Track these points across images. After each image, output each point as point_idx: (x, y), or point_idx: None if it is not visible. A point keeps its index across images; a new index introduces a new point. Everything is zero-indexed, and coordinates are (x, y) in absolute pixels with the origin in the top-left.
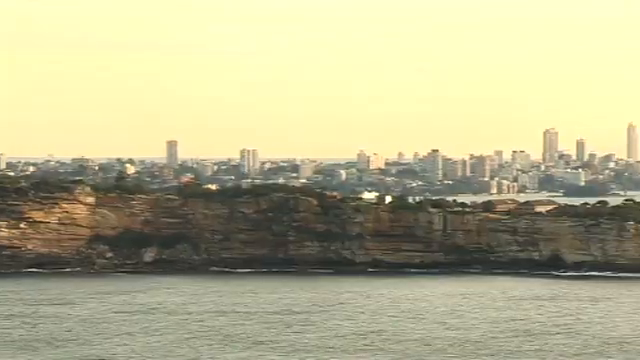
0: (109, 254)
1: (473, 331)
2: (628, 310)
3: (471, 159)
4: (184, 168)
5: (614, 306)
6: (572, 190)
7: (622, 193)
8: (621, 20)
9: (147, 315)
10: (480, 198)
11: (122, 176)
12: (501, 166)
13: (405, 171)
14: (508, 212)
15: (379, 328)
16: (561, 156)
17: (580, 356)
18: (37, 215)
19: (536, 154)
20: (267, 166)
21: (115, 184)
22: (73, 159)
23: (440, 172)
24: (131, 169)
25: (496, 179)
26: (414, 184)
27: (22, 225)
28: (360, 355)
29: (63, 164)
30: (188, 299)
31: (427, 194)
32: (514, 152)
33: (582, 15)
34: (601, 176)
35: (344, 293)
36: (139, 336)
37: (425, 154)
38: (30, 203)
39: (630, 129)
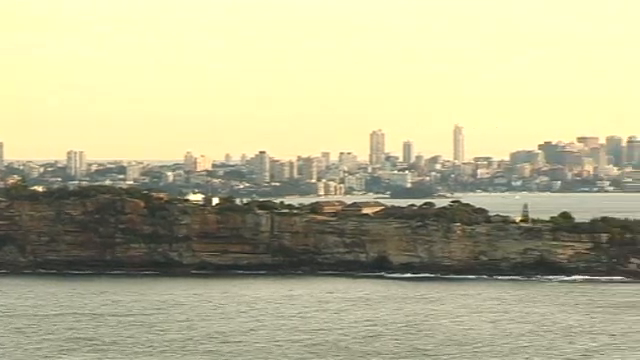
0: None
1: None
2: (453, 310)
3: (298, 161)
4: (10, 170)
5: (445, 306)
6: (399, 192)
7: (448, 195)
8: (446, 23)
9: None
10: (307, 200)
11: None
12: (328, 168)
13: (232, 173)
14: (335, 214)
15: (207, 330)
16: (388, 158)
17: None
18: None
19: (363, 156)
20: (94, 168)
21: None
22: None
23: (267, 174)
24: None
25: (323, 181)
26: (241, 186)
27: None
28: (187, 357)
29: None
30: (14, 301)
31: (254, 196)
32: (341, 154)
33: (408, 15)
34: (427, 178)
35: (166, 295)
36: None
37: (252, 156)
38: None
39: (456, 131)
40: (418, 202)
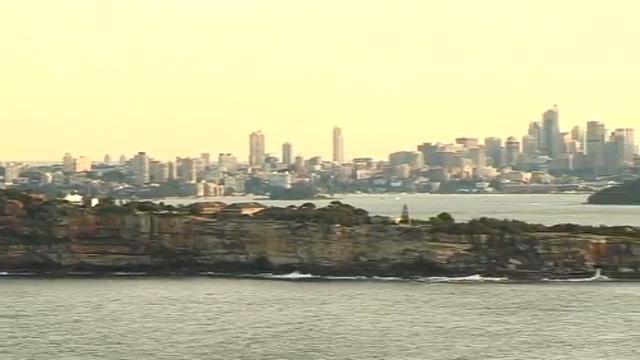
0: None
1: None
2: (336, 311)
3: (178, 162)
4: None
5: (328, 307)
6: (278, 193)
7: (328, 195)
8: (326, 23)
9: None
10: (187, 201)
11: None
12: (208, 169)
13: (112, 174)
14: (215, 215)
15: (87, 331)
16: (268, 159)
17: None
18: None
19: (243, 157)
20: None
21: None
22: None
23: (147, 175)
24: None
25: (203, 182)
26: (121, 187)
27: None
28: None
29: None
30: None
31: (134, 197)
32: (221, 155)
33: (285, 15)
34: (307, 179)
35: (45, 297)
36: None
37: (132, 157)
38: None
39: (336, 132)
40: (298, 203)
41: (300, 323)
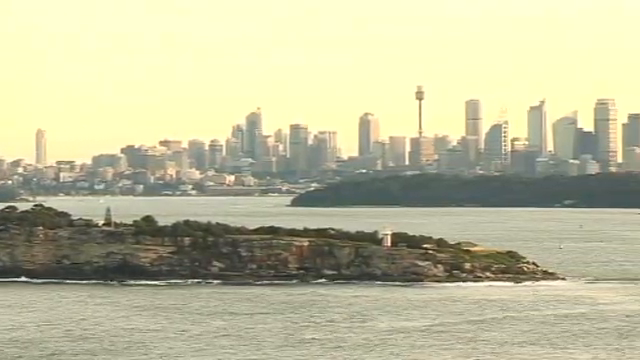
0: None
1: None
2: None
3: None
4: None
5: (33, 311)
6: None
7: (31, 198)
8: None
9: None
10: None
11: None
12: None
13: None
14: None
15: None
16: None
17: None
18: None
19: None
20: None
21: None
22: None
23: None
24: None
25: None
26: None
27: None
28: None
29: None
30: None
31: None
32: None
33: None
34: (10, 181)
35: None
36: None
37: None
38: None
39: (39, 135)
40: (0, 206)
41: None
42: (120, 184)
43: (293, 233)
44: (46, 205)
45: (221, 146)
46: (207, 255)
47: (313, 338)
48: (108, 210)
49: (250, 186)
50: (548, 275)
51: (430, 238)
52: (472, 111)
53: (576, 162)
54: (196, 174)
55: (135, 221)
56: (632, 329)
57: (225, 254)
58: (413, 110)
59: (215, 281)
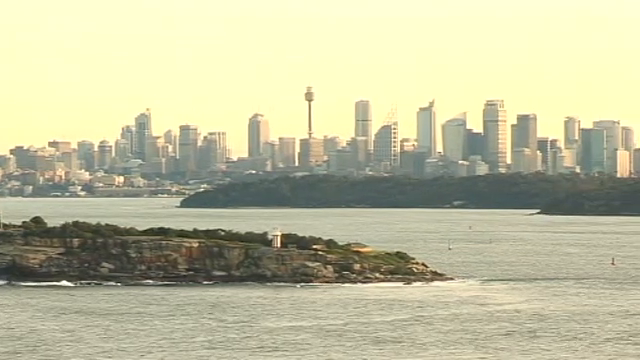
0: None
1: None
2: None
3: None
4: None
5: None
6: None
7: None
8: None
9: None
10: None
11: None
12: None
13: None
14: None
15: None
16: None
17: None
18: None
19: None
20: None
21: None
22: None
23: None
24: None
25: None
26: None
27: None
28: None
29: None
30: None
31: None
32: None
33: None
34: None
35: None
36: None
37: None
38: None
39: None
40: None
41: None
42: (9, 185)
43: (183, 234)
44: None
45: (110, 147)
46: (96, 256)
47: (204, 340)
48: None
49: (139, 187)
50: (437, 276)
51: (320, 239)
52: (362, 112)
53: (465, 163)
54: (85, 175)
55: (24, 222)
56: (519, 329)
57: (114, 255)
58: (303, 111)
59: (105, 282)
